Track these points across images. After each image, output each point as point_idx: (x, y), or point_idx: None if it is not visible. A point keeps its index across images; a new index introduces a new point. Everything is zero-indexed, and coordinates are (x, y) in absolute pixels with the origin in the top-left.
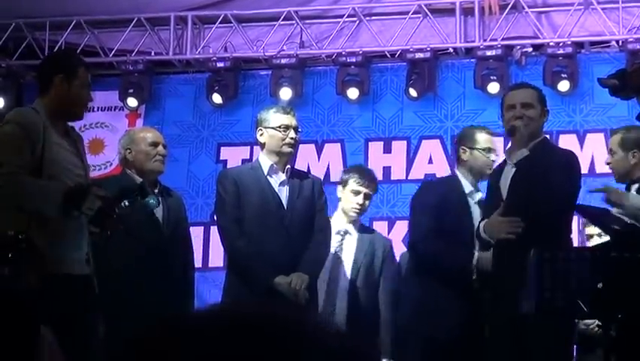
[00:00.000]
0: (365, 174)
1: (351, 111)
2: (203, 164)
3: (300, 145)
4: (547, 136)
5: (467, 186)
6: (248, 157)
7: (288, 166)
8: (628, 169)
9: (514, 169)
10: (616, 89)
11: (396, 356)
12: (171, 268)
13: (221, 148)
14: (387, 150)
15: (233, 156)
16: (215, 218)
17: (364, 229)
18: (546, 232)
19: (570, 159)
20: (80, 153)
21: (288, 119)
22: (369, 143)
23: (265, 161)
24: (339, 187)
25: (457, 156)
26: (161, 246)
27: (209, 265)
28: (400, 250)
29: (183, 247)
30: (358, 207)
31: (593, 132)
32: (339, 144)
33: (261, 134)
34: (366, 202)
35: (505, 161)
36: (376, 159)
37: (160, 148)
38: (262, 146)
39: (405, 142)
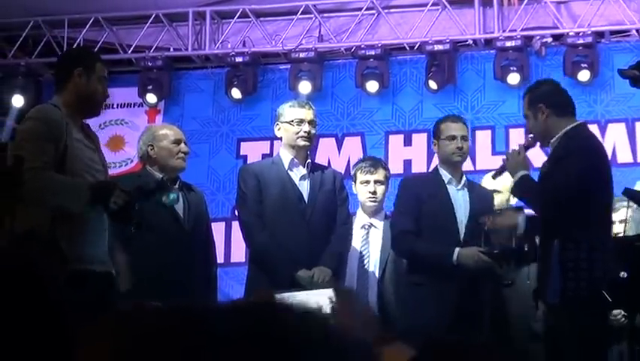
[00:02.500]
0: (369, 161)
1: (371, 104)
2: (224, 159)
3: (320, 139)
4: (572, 127)
5: (446, 176)
6: (268, 152)
7: (309, 160)
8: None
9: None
10: (636, 80)
11: None
12: (192, 264)
13: (241, 143)
14: (408, 142)
15: (253, 151)
16: (236, 213)
17: (389, 219)
18: (570, 224)
19: (578, 147)
20: (98, 150)
21: (303, 113)
22: (390, 136)
23: (285, 155)
24: (352, 184)
25: (435, 152)
26: (182, 242)
27: (231, 260)
28: None
29: (204, 242)
30: (372, 195)
31: (614, 122)
32: (359, 138)
33: (278, 129)
34: (379, 188)
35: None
36: (397, 152)
37: (182, 145)
38: (281, 140)
39: (425, 135)
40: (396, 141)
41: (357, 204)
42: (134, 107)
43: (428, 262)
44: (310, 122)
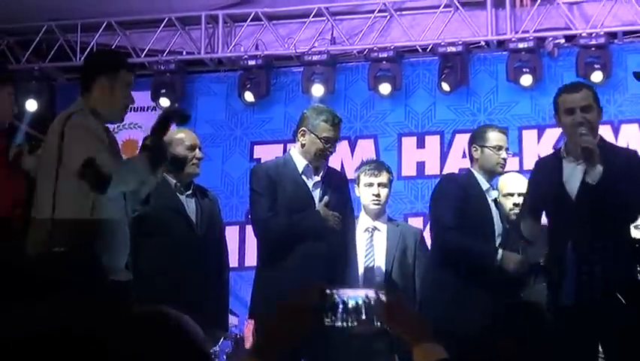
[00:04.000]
0: (372, 163)
1: (384, 106)
2: (237, 163)
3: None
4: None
5: (484, 183)
6: (281, 155)
7: (323, 170)
8: None
9: (579, 167)
10: None
11: None
12: (205, 269)
13: (255, 147)
14: (421, 145)
15: (266, 154)
16: (249, 216)
17: (392, 221)
18: (615, 231)
19: (634, 158)
20: (119, 154)
21: (334, 133)
22: (403, 138)
23: (299, 159)
24: (356, 187)
25: (470, 155)
26: (194, 247)
27: (245, 264)
28: None
29: (217, 247)
30: (375, 198)
31: (628, 123)
32: (372, 140)
33: (303, 135)
34: (383, 191)
35: (555, 155)
36: (410, 154)
37: (197, 151)
38: (300, 144)
39: (438, 137)
40: (409, 143)
41: (359, 207)
42: (147, 110)
43: (471, 259)
44: (336, 141)
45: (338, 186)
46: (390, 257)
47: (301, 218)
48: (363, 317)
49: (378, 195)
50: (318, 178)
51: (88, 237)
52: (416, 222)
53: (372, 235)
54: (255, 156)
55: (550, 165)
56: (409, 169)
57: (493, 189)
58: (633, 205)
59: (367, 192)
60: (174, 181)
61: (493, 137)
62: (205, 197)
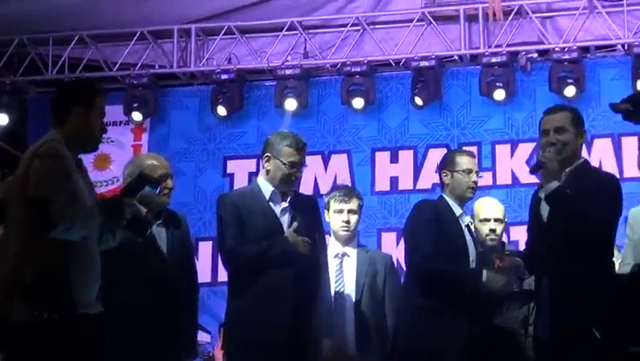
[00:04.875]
0: (342, 190)
1: (357, 121)
2: (210, 177)
3: (307, 157)
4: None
5: (456, 209)
6: (254, 170)
7: (291, 195)
8: None
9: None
10: (629, 114)
11: None
12: (175, 299)
13: (228, 161)
14: (395, 159)
15: (239, 169)
16: (218, 245)
17: (362, 248)
18: (585, 260)
19: (607, 184)
20: (91, 185)
21: (299, 157)
22: (376, 153)
23: (266, 186)
24: (326, 212)
25: (441, 181)
26: (164, 277)
27: (219, 279)
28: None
29: (188, 276)
30: (345, 225)
31: (601, 137)
32: (345, 155)
33: (267, 160)
34: (353, 218)
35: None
36: (383, 169)
37: (168, 181)
38: (265, 170)
39: (412, 151)
40: (382, 158)
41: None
42: (120, 125)
43: (452, 283)
44: (302, 165)
45: (307, 210)
46: (360, 283)
47: (269, 245)
48: None
49: (347, 222)
50: (285, 204)
51: (60, 268)
52: (389, 238)
53: (341, 261)
54: (227, 171)
55: (536, 191)
56: (382, 184)
57: (466, 214)
58: (595, 232)
59: (337, 218)
60: (144, 210)
61: (463, 161)
62: (175, 223)
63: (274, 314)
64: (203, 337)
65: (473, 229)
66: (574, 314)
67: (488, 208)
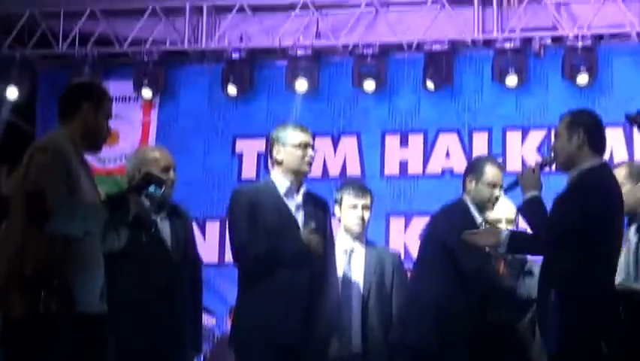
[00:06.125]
0: (358, 186)
1: (368, 103)
2: (219, 156)
3: (316, 138)
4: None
5: (477, 217)
6: (263, 150)
7: (303, 189)
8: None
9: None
10: None
11: None
12: (180, 293)
13: (237, 140)
14: (404, 143)
15: (248, 149)
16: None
17: (371, 244)
18: (572, 270)
19: (590, 193)
20: (94, 183)
21: (307, 137)
22: (386, 136)
23: (281, 181)
24: (336, 207)
25: (464, 185)
26: (169, 271)
27: (225, 260)
28: (415, 246)
29: (192, 270)
30: (359, 220)
31: (613, 126)
32: (355, 137)
33: (278, 152)
34: (366, 213)
35: None
36: (393, 152)
37: (171, 173)
38: (277, 163)
39: (422, 135)
40: (392, 141)
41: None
42: (129, 101)
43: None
44: (312, 147)
45: (319, 211)
46: (368, 282)
47: (282, 243)
48: None
49: (362, 218)
50: (299, 200)
51: (62, 267)
52: (398, 222)
53: (350, 257)
54: (236, 151)
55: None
56: (391, 168)
57: (486, 222)
58: (572, 243)
59: (351, 213)
60: (148, 203)
61: (491, 173)
62: (178, 217)
63: (284, 315)
64: (208, 321)
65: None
66: (581, 328)
67: (500, 209)
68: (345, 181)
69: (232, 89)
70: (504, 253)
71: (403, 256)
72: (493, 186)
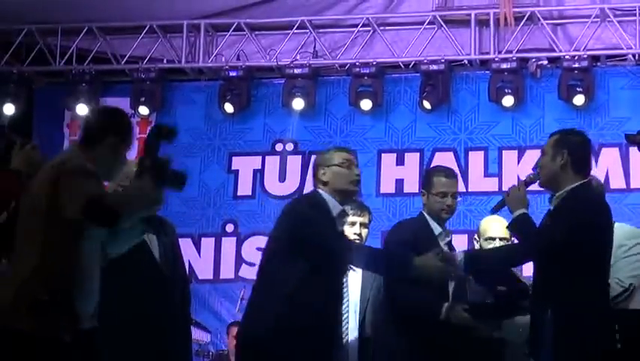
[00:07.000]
0: (356, 204)
1: (365, 122)
2: (215, 173)
3: (312, 156)
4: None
5: (436, 228)
6: (259, 167)
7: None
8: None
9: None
10: None
11: None
12: (171, 308)
13: (233, 158)
14: (400, 161)
15: (244, 166)
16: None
17: None
18: (566, 287)
19: (578, 208)
20: None
21: (351, 156)
22: (382, 154)
23: (330, 200)
24: None
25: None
26: (159, 286)
27: (220, 276)
28: None
29: (182, 284)
30: (357, 237)
31: (608, 147)
32: None
33: (323, 173)
34: (364, 231)
35: None
36: (389, 170)
37: None
38: (321, 182)
39: (418, 154)
40: (388, 159)
41: None
42: None
43: (419, 312)
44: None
45: None
46: (365, 296)
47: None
48: None
49: (360, 235)
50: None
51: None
52: None
53: (347, 275)
54: (232, 168)
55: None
56: (387, 186)
57: (448, 234)
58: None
59: (349, 230)
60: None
61: (439, 183)
62: (165, 231)
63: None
64: (203, 336)
65: (477, 247)
66: (575, 349)
67: (494, 228)
68: None
69: (229, 107)
70: (465, 274)
71: None
72: (443, 195)
